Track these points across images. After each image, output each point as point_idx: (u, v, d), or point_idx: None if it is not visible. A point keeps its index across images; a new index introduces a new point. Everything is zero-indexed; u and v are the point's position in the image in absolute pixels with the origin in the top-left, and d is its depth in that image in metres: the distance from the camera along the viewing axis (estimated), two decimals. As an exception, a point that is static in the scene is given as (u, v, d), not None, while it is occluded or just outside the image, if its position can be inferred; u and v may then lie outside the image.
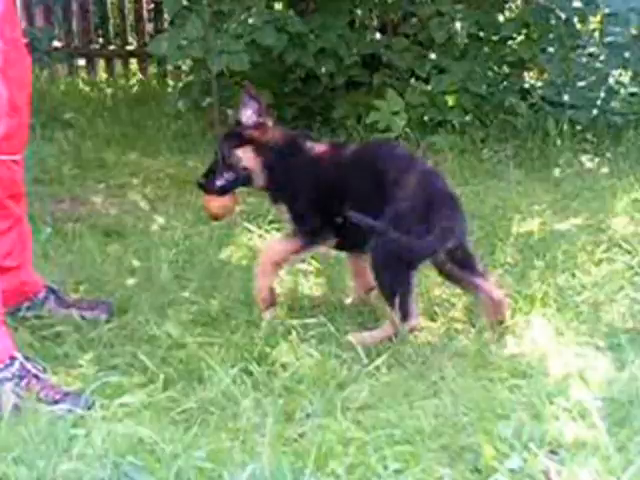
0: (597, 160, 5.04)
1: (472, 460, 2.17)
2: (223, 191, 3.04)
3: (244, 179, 3.03)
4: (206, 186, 3.07)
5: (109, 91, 7.04)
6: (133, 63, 7.59)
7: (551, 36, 5.52)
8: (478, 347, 2.76)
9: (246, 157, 3.00)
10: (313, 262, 3.44)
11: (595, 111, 5.36)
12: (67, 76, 7.34)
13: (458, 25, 5.47)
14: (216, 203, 3.07)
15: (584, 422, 2.25)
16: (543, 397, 2.37)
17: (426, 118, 5.46)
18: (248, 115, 3.01)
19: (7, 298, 2.83)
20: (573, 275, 3.31)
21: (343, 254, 3.25)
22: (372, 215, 2.78)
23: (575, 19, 5.54)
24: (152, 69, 7.43)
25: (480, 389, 2.47)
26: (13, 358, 2.46)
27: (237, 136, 3.03)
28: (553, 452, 2.17)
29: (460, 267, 2.91)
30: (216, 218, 3.20)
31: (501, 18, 5.75)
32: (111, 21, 7.67)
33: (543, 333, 2.85)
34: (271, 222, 3.94)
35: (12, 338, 2.55)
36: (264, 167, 3.01)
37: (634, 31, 5.31)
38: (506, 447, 2.16)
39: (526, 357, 2.71)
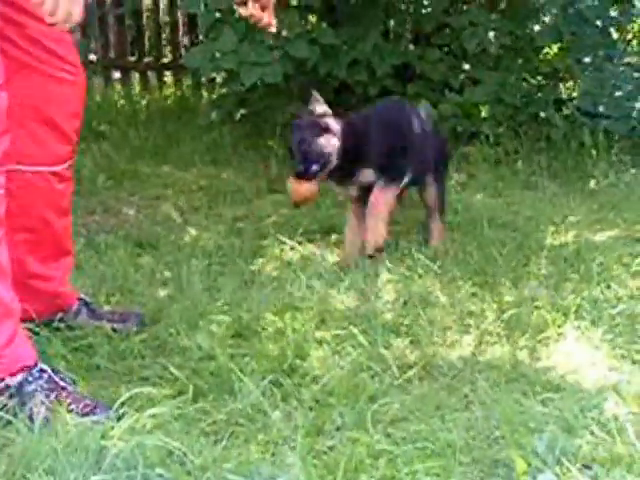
0: (633, 171, 4.99)
1: (504, 474, 2.14)
2: (316, 177, 3.48)
3: (327, 163, 3.49)
4: (305, 174, 3.45)
5: (143, 103, 7.09)
6: (168, 75, 7.65)
7: (586, 46, 5.48)
8: (511, 360, 2.73)
9: (329, 143, 3.48)
10: (342, 274, 3.43)
11: (632, 122, 5.31)
12: (103, 89, 7.41)
13: (491, 35, 5.45)
14: (306, 188, 3.47)
15: (619, 437, 2.21)
16: (577, 411, 2.34)
17: (459, 129, 5.44)
18: (320, 108, 3.55)
19: (41, 309, 2.86)
20: (608, 287, 3.27)
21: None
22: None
23: (611, 28, 5.50)
24: (186, 81, 7.48)
25: (512, 402, 2.44)
26: (43, 371, 2.46)
27: (316, 126, 3.49)
28: (586, 467, 2.13)
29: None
30: (303, 203, 3.58)
31: (535, 28, 5.71)
32: (146, 34, 7.73)
33: (577, 346, 2.82)
34: (303, 234, 3.94)
35: (34, 348, 2.55)
36: (342, 147, 3.51)
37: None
38: (539, 461, 2.13)
39: (560, 370, 2.67)
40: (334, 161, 3.50)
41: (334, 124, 3.52)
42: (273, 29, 3.03)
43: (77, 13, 2.32)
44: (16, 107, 2.46)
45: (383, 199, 3.58)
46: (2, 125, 2.39)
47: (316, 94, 3.60)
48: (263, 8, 2.95)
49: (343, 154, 3.51)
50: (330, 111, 3.58)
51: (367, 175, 3.59)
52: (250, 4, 2.93)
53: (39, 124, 2.73)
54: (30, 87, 2.66)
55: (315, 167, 3.46)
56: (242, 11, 2.94)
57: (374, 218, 3.57)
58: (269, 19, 2.97)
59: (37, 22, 2.52)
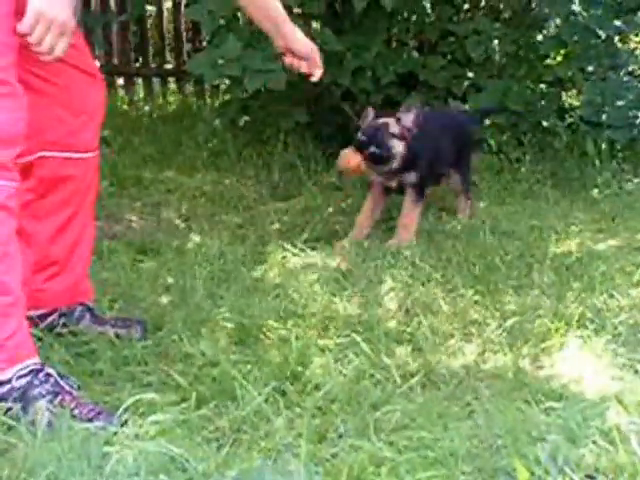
0: (636, 180, 4.99)
1: (507, 483, 2.15)
2: (369, 158, 3.84)
3: (386, 161, 3.90)
4: (363, 148, 3.84)
5: (147, 109, 7.10)
6: (171, 82, 7.66)
7: (590, 55, 5.49)
8: (513, 368, 2.73)
9: (397, 147, 3.89)
10: (346, 282, 3.43)
11: (635, 131, 5.31)
12: (106, 95, 7.41)
13: (495, 44, 5.46)
14: (355, 160, 3.82)
15: (621, 446, 2.20)
16: (579, 420, 2.33)
17: (463, 137, 5.44)
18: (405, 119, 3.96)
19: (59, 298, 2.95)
20: (611, 296, 3.27)
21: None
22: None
23: (615, 38, 5.51)
24: (190, 88, 7.49)
25: (515, 411, 2.44)
26: (49, 375, 2.47)
27: (392, 128, 3.91)
28: (589, 477, 2.13)
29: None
30: (347, 174, 4.09)
31: (539, 37, 5.72)
32: (150, 41, 7.75)
33: (580, 355, 2.82)
34: (306, 241, 3.94)
35: (33, 345, 2.56)
36: (405, 150, 3.91)
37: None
38: (541, 470, 2.12)
39: (562, 379, 2.67)
40: (392, 165, 3.90)
41: (405, 132, 3.91)
42: (314, 78, 3.19)
43: (61, 49, 2.39)
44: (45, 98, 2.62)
45: (415, 213, 4.00)
46: (19, 125, 2.43)
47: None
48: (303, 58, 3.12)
49: (402, 163, 3.91)
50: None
51: (411, 177, 3.99)
52: (288, 56, 3.12)
53: (68, 113, 2.80)
54: (57, 79, 2.72)
55: (375, 150, 3.82)
56: (287, 60, 3.14)
57: (405, 229, 3.97)
58: (308, 69, 3.15)
59: None
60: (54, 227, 2.92)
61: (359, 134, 3.91)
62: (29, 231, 2.80)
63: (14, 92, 2.41)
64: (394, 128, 3.91)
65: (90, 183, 2.98)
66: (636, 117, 5.32)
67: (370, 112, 3.99)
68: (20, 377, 2.44)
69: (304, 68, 3.15)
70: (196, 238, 4.10)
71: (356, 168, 3.84)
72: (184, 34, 7.62)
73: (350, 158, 3.83)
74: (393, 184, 4.04)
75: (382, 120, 3.95)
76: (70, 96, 2.79)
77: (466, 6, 5.96)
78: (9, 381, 2.44)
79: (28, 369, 2.46)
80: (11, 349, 2.44)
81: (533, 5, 5.56)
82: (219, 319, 3.09)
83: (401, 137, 3.89)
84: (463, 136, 4.46)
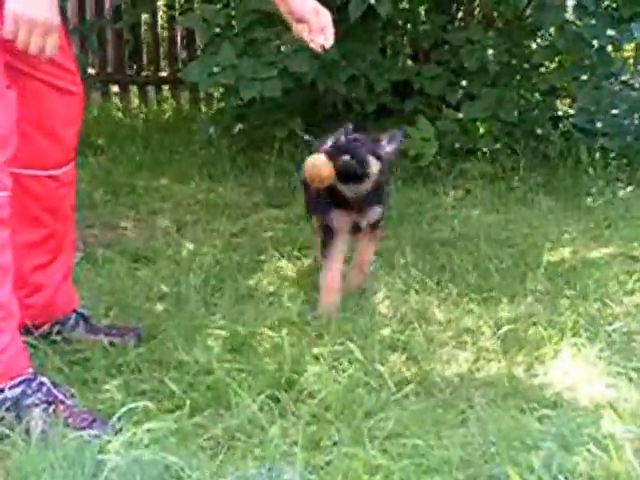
0: (630, 188, 5.00)
1: (501, 491, 2.15)
2: (341, 167, 3.18)
3: (361, 177, 3.23)
4: (335, 154, 3.20)
5: (141, 117, 7.10)
6: (166, 90, 7.66)
7: (584, 64, 5.51)
8: (507, 376, 2.73)
9: (373, 165, 3.24)
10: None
11: (628, 139, 5.33)
12: (101, 103, 7.42)
13: (490, 52, 5.48)
14: (325, 168, 3.17)
15: (615, 454, 2.21)
16: (573, 428, 2.34)
17: (457, 145, 5.46)
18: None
19: (36, 316, 2.86)
20: (605, 304, 3.28)
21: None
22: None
23: (609, 47, 5.53)
24: (185, 96, 7.49)
25: (509, 419, 2.44)
26: (42, 384, 2.46)
27: (373, 146, 3.29)
28: (583, 484, 2.14)
29: None
30: (314, 181, 3.23)
31: (533, 46, 5.74)
32: (145, 48, 7.75)
33: (574, 363, 2.82)
34: (301, 249, 3.94)
35: (27, 357, 2.55)
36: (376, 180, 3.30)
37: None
38: (535, 478, 2.13)
39: (556, 387, 2.68)
40: (365, 187, 3.27)
41: (383, 156, 3.31)
42: (316, 47, 3.02)
43: (51, 46, 2.36)
44: None
45: (370, 252, 3.47)
46: (12, 126, 2.41)
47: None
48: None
49: (374, 187, 3.30)
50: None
51: (375, 213, 3.39)
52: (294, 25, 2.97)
53: (34, 129, 2.71)
54: (24, 94, 2.65)
55: (350, 161, 3.20)
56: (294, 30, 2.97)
57: (360, 270, 3.46)
58: (308, 37, 2.98)
59: None
60: (24, 245, 2.81)
61: (331, 142, 3.32)
62: None
63: (2, 93, 2.40)
64: (373, 145, 3.30)
65: (62, 199, 2.90)
66: (630, 125, 5.35)
67: (349, 127, 3.39)
68: (13, 386, 2.44)
69: (305, 37, 2.96)
70: (190, 246, 4.10)
71: (327, 178, 3.19)
72: (179, 42, 7.62)
73: (321, 166, 3.19)
74: (363, 223, 3.38)
75: (368, 139, 3.36)
76: (40, 115, 2.71)
77: (460, 15, 5.98)
78: (2, 390, 2.43)
79: (21, 378, 2.45)
80: (4, 363, 2.44)
81: (527, 14, 5.57)
82: (213, 327, 3.09)
83: (378, 157, 3.28)
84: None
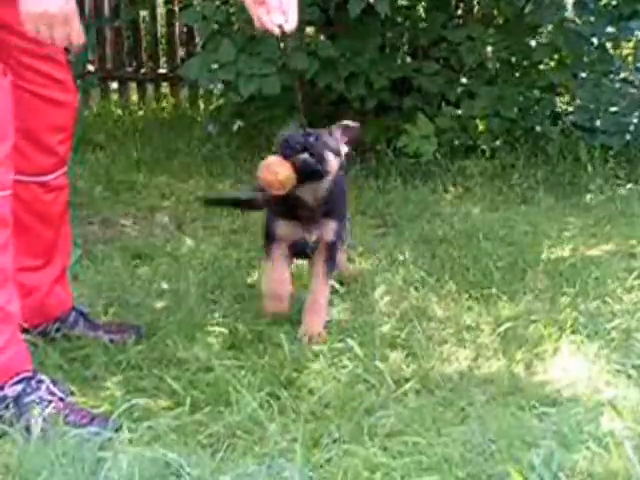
0: (629, 186, 5.00)
1: (501, 489, 2.15)
2: (302, 168, 2.90)
3: (320, 175, 2.96)
4: (291, 155, 2.90)
5: (140, 114, 7.09)
6: (165, 86, 7.65)
7: (583, 61, 5.51)
8: (507, 374, 2.74)
9: (332, 161, 2.98)
10: (340, 287, 3.43)
11: (628, 137, 5.33)
12: (100, 99, 7.41)
13: (489, 50, 5.47)
14: (284, 171, 2.87)
15: (615, 452, 2.21)
16: (573, 426, 2.34)
17: (456, 142, 5.45)
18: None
19: (26, 318, 2.81)
20: (604, 302, 3.28)
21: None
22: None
23: (608, 44, 5.53)
24: (184, 92, 7.48)
25: (509, 416, 2.45)
26: (41, 382, 2.47)
27: (332, 142, 3.02)
28: (583, 482, 2.14)
29: None
30: (271, 187, 2.92)
31: (533, 43, 5.74)
32: (143, 45, 7.74)
33: (573, 360, 2.83)
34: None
35: (28, 356, 2.54)
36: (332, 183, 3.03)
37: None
38: (535, 476, 2.13)
39: (556, 385, 2.68)
40: (325, 186, 3.01)
41: (339, 148, 3.05)
42: (273, 28, 2.74)
43: (76, 32, 2.35)
44: None
45: (325, 292, 3.11)
46: (7, 116, 2.40)
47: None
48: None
49: (330, 191, 3.04)
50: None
51: (329, 230, 3.09)
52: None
53: (18, 136, 2.63)
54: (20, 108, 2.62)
55: (306, 157, 2.90)
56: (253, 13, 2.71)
57: (316, 315, 3.07)
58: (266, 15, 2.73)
59: (24, 42, 2.54)
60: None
61: (283, 140, 2.97)
62: None
63: None
64: (328, 140, 3.01)
65: (49, 205, 2.88)
66: (629, 123, 5.34)
67: (294, 125, 3.12)
68: (13, 384, 2.44)
69: (264, 20, 2.71)
70: (190, 243, 4.10)
71: (285, 182, 2.88)
72: (178, 38, 7.61)
73: (278, 168, 2.88)
74: (310, 238, 3.10)
75: (327, 133, 3.07)
76: (27, 126, 2.68)
77: (459, 12, 5.98)
78: (2, 388, 2.44)
79: (21, 376, 2.46)
80: (4, 362, 2.44)
81: (526, 11, 5.57)
82: (213, 324, 3.09)
83: (336, 152, 3.01)
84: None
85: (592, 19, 5.33)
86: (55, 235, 2.95)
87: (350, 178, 5.10)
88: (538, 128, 5.51)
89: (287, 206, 3.05)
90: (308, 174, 2.92)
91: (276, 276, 3.13)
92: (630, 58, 5.88)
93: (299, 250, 3.15)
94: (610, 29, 5.31)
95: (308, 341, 2.96)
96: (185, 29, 7.48)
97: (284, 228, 3.10)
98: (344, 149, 3.09)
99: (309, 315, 3.07)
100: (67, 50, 2.62)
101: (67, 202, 2.97)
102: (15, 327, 2.49)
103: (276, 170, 2.88)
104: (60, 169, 2.88)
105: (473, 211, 4.62)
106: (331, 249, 3.11)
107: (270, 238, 3.14)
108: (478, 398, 2.58)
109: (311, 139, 2.94)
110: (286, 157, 2.90)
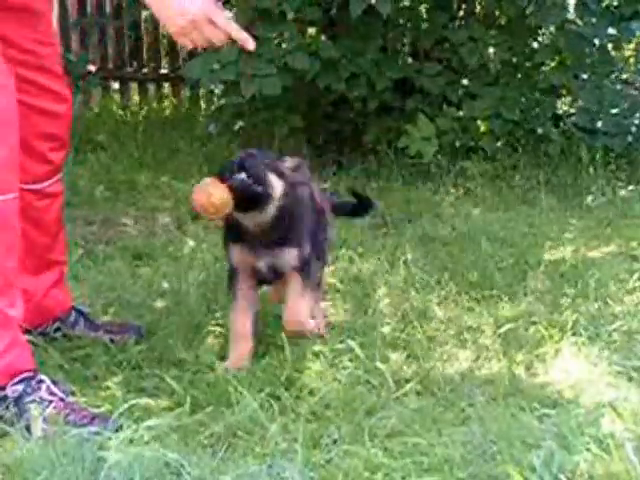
0: (631, 187, 5.00)
1: (501, 490, 2.15)
2: (237, 190, 2.64)
3: (261, 199, 2.70)
4: (228, 177, 2.66)
5: (142, 114, 7.09)
6: (166, 86, 7.65)
7: (585, 63, 5.51)
8: (508, 375, 2.73)
9: (275, 184, 2.72)
10: (341, 286, 3.43)
11: (629, 138, 5.33)
12: (101, 99, 7.41)
13: (491, 51, 5.47)
14: (219, 194, 2.62)
15: (616, 454, 2.21)
16: (574, 427, 2.34)
17: (457, 144, 5.45)
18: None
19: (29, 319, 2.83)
20: (605, 303, 3.28)
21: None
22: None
23: (609, 46, 5.53)
24: (185, 92, 7.48)
25: (509, 418, 2.44)
26: (41, 382, 2.47)
27: (274, 164, 2.78)
28: (584, 484, 2.14)
29: None
30: (206, 213, 2.68)
31: (534, 44, 5.74)
32: (145, 45, 7.74)
33: (574, 362, 2.82)
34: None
35: (29, 357, 2.54)
36: (281, 206, 2.76)
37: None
38: (535, 477, 2.12)
39: (556, 386, 2.68)
40: (268, 213, 2.73)
41: (290, 178, 2.79)
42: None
43: (224, 24, 2.42)
44: None
45: (301, 307, 2.84)
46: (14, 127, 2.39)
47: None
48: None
49: (278, 217, 2.75)
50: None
51: (290, 259, 2.81)
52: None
53: None
54: None
55: (243, 178, 2.65)
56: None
57: (294, 327, 2.83)
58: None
59: (20, 54, 2.55)
60: None
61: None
62: None
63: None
64: (272, 163, 2.77)
65: (44, 211, 2.88)
66: (630, 125, 5.34)
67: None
68: (14, 385, 2.44)
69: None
70: (191, 243, 4.10)
71: (220, 204, 2.62)
72: (179, 39, 7.60)
73: (212, 190, 2.63)
74: (263, 263, 2.82)
75: (269, 156, 2.86)
76: (20, 135, 2.59)
77: (461, 13, 5.97)
78: (3, 388, 2.44)
79: (22, 377, 2.46)
80: (6, 364, 2.44)
81: (528, 12, 5.56)
82: (214, 324, 3.09)
83: (280, 175, 2.75)
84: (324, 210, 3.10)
85: (593, 20, 5.34)
86: (52, 241, 2.96)
87: (350, 179, 5.12)
88: (539, 129, 5.51)
89: (234, 229, 2.82)
90: (246, 197, 2.67)
91: (241, 312, 2.87)
92: (631, 59, 5.88)
93: (262, 278, 2.90)
94: (611, 30, 5.31)
95: (290, 331, 2.79)
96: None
97: (236, 253, 2.85)
98: (294, 176, 2.81)
99: (288, 303, 2.84)
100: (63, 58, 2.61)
101: (62, 208, 2.98)
102: (16, 330, 2.49)
103: (210, 192, 2.63)
104: (54, 177, 2.90)
105: (474, 212, 4.62)
106: (300, 270, 2.83)
107: (230, 269, 2.90)
108: (479, 399, 2.58)
109: (250, 159, 2.71)
110: (222, 179, 2.66)
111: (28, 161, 2.73)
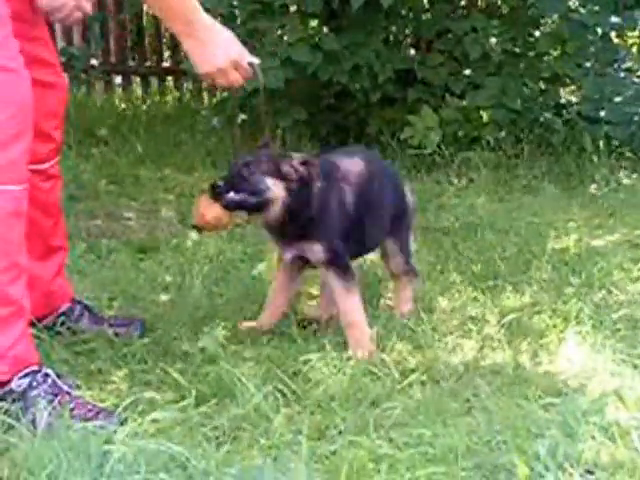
0: (634, 176, 5.00)
1: (506, 479, 2.15)
2: (229, 207, 2.76)
3: (257, 207, 2.78)
4: (217, 195, 2.75)
5: (145, 108, 7.09)
6: (169, 80, 7.65)
7: (588, 51, 5.49)
8: (512, 364, 2.73)
9: (273, 188, 2.76)
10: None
11: (632, 127, 5.32)
12: (103, 93, 7.41)
13: (493, 41, 5.46)
14: (213, 212, 2.74)
15: (621, 442, 2.21)
16: (578, 416, 2.33)
17: (460, 134, 5.45)
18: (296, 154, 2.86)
19: (35, 308, 2.82)
20: (609, 292, 3.28)
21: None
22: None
23: (612, 34, 5.52)
24: (188, 86, 7.49)
25: (514, 407, 2.44)
26: (47, 375, 2.47)
27: (272, 164, 2.79)
28: (589, 472, 2.13)
29: None
30: (206, 229, 2.84)
31: (537, 33, 5.73)
32: (147, 39, 7.74)
33: (578, 351, 2.82)
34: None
35: (34, 350, 2.55)
36: (289, 205, 2.79)
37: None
38: (541, 466, 2.13)
39: (561, 375, 2.67)
40: (273, 214, 2.79)
41: (293, 174, 2.79)
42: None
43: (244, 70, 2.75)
44: None
45: (352, 305, 2.86)
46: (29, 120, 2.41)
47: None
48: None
49: (289, 214, 2.79)
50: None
51: (315, 253, 2.85)
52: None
53: None
54: None
55: (234, 197, 2.73)
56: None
57: (354, 329, 2.85)
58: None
59: (17, 23, 2.52)
60: None
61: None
62: None
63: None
64: (269, 165, 2.77)
65: (48, 193, 2.88)
66: (634, 114, 5.33)
67: (266, 138, 3.01)
68: (19, 378, 2.45)
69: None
70: (194, 236, 4.10)
71: (216, 222, 2.76)
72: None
73: (205, 210, 2.75)
74: (289, 254, 2.91)
75: (267, 154, 2.84)
76: None
77: (463, 3, 5.97)
78: (8, 382, 2.44)
79: (27, 370, 2.46)
80: (12, 358, 2.44)
81: (530, 2, 5.55)
82: (218, 317, 3.09)
83: (279, 177, 2.76)
84: (398, 189, 3.17)
85: (596, 9, 5.32)
86: (54, 225, 2.97)
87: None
88: (542, 119, 5.51)
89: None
90: (243, 209, 2.79)
91: (274, 286, 3.06)
92: (635, 48, 5.87)
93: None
94: (614, 19, 5.30)
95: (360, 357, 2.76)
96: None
97: (270, 240, 3.03)
98: (302, 172, 2.80)
99: (347, 329, 2.87)
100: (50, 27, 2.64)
101: (61, 192, 2.99)
102: (26, 322, 2.49)
103: (202, 213, 2.76)
104: (55, 157, 2.90)
105: (477, 202, 4.61)
106: (330, 263, 2.87)
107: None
108: (483, 389, 2.57)
109: (237, 174, 2.77)
110: (214, 196, 2.75)
111: (34, 140, 2.73)
